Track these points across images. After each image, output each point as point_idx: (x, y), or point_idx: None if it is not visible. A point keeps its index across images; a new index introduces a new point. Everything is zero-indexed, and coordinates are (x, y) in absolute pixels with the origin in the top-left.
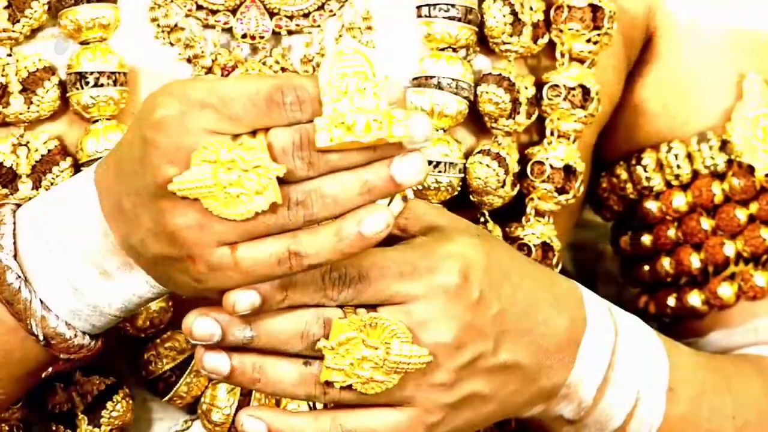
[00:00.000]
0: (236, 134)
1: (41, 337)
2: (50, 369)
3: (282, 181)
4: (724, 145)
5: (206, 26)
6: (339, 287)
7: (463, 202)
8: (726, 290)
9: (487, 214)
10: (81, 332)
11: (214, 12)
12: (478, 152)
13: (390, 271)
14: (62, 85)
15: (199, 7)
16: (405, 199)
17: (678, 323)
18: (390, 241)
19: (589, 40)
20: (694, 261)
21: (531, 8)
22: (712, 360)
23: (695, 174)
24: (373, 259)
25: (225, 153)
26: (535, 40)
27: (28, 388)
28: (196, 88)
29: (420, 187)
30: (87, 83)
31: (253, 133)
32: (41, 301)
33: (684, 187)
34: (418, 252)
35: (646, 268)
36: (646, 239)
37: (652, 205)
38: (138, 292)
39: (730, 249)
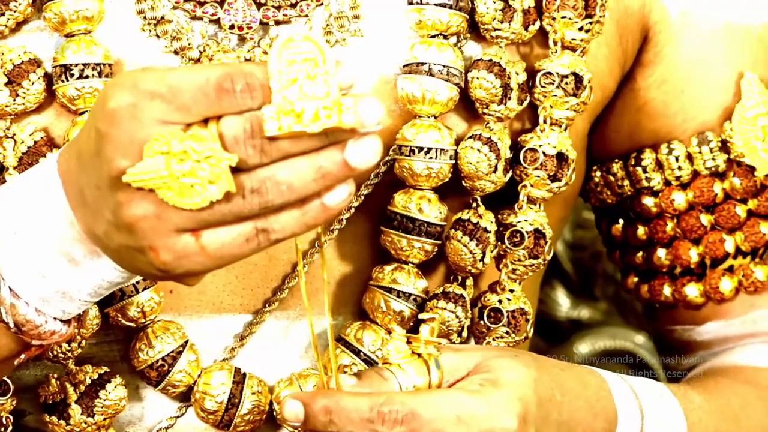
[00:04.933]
0: (188, 123)
1: (12, 325)
2: (23, 356)
3: (236, 170)
4: (723, 145)
5: (193, 18)
6: (390, 423)
7: (456, 189)
8: (726, 284)
9: (479, 199)
10: (52, 318)
11: (201, 3)
12: (470, 137)
13: (445, 413)
14: (48, 77)
15: None
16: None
17: (669, 309)
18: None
19: (581, 29)
20: (693, 255)
21: None
22: (720, 399)
23: (695, 173)
24: (426, 397)
25: (177, 144)
26: (526, 26)
27: (3, 375)
28: (147, 79)
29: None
30: (72, 75)
31: (206, 121)
32: (10, 289)
33: (683, 186)
34: (476, 397)
35: (640, 254)
36: (641, 231)
37: (649, 201)
38: (107, 278)
39: (729, 244)
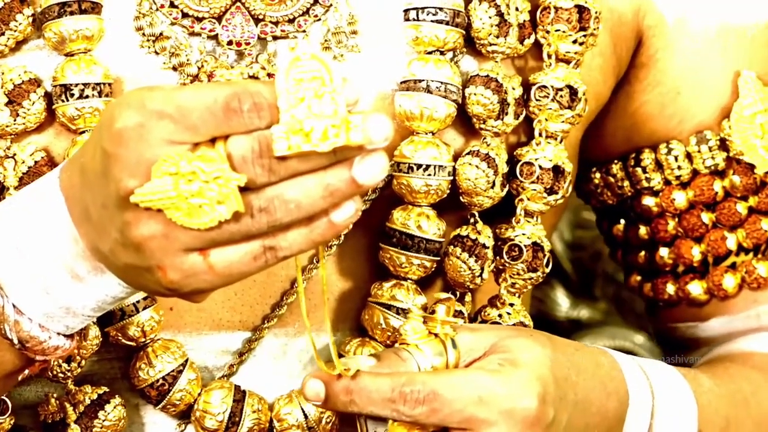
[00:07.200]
0: (196, 143)
1: (15, 341)
2: (27, 371)
3: (244, 189)
4: (722, 143)
5: (192, 34)
6: (411, 403)
7: (453, 204)
8: (729, 281)
9: (477, 215)
10: (55, 333)
11: (199, 19)
12: (467, 153)
13: (467, 393)
14: (48, 97)
15: (185, 15)
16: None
17: (673, 306)
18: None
19: (575, 41)
20: (695, 253)
21: (517, 9)
22: (730, 384)
23: (695, 172)
24: (447, 377)
25: (185, 165)
26: (521, 40)
27: (6, 391)
28: (154, 99)
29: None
30: (72, 95)
31: (213, 140)
32: (14, 306)
33: (683, 185)
34: (497, 377)
35: (642, 254)
36: (643, 231)
37: (649, 201)
38: (111, 293)
39: (731, 241)
